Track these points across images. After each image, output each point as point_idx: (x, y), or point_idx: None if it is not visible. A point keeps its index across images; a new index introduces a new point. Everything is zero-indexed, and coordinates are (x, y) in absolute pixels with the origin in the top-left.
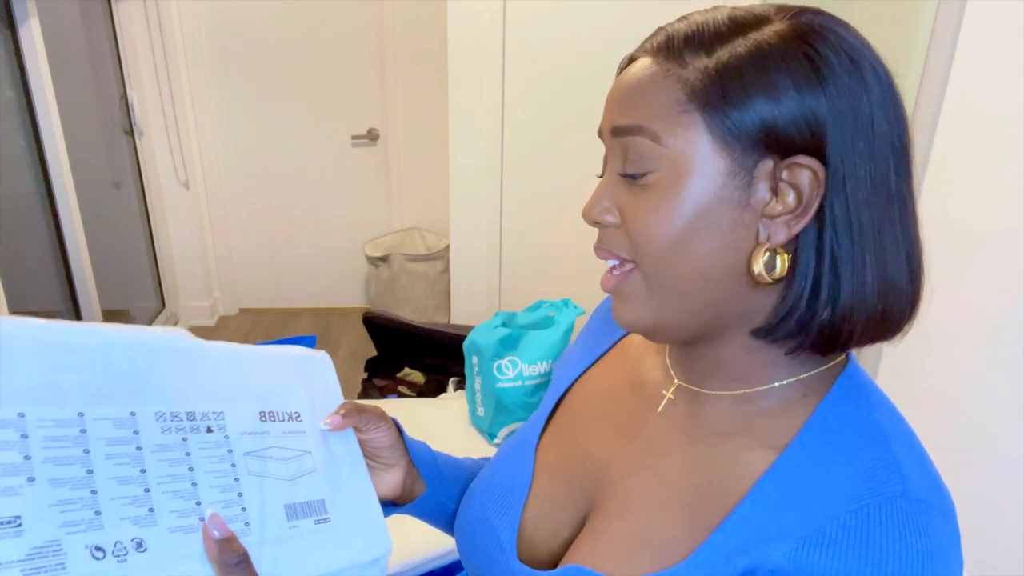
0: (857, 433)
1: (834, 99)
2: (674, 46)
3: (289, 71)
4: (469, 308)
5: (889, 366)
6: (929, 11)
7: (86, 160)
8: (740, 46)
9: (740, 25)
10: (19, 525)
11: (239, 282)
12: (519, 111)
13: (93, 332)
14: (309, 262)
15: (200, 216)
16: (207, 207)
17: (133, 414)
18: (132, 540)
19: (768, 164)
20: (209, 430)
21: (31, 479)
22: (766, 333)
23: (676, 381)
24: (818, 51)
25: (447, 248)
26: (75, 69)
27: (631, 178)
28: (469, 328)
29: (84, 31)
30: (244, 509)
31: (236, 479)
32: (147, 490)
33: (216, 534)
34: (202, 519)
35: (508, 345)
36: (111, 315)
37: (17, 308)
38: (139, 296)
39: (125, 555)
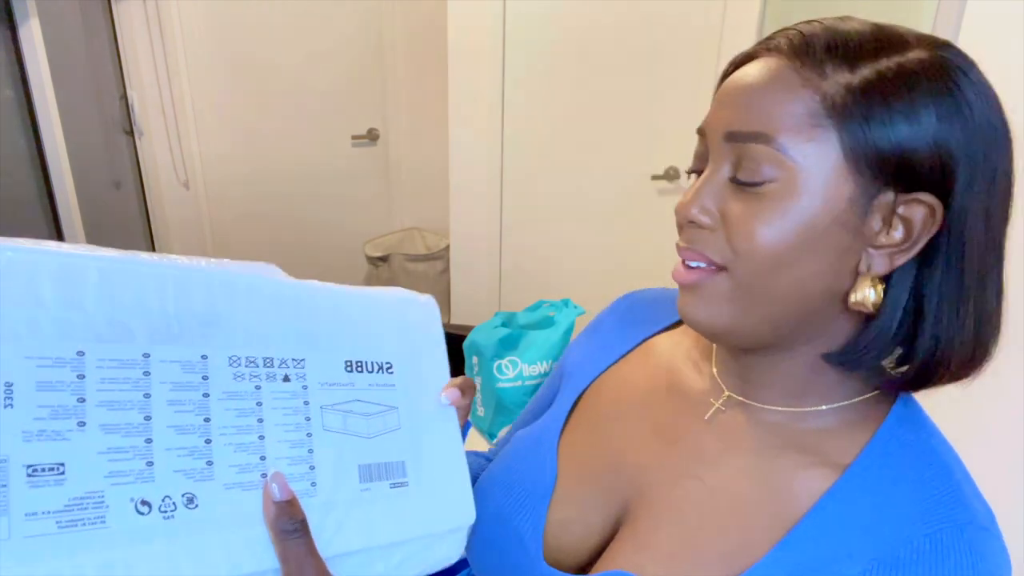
0: (918, 459)
1: (970, 138)
2: (814, 52)
3: (289, 71)
4: (469, 308)
5: None
6: (929, 11)
7: (86, 160)
8: (885, 66)
9: (884, 44)
10: (62, 473)
11: None
12: (519, 111)
13: (167, 266)
14: (309, 262)
15: (200, 216)
16: (207, 207)
17: (204, 357)
18: (183, 495)
19: (889, 195)
20: (287, 379)
21: (81, 423)
22: (840, 358)
23: (726, 392)
24: (961, 87)
25: (447, 248)
26: (75, 69)
27: (744, 185)
28: (469, 328)
29: (84, 31)
30: (312, 468)
31: (309, 434)
32: (208, 441)
33: (277, 495)
34: (264, 476)
35: (508, 345)
36: None
37: None
38: None
39: (173, 511)
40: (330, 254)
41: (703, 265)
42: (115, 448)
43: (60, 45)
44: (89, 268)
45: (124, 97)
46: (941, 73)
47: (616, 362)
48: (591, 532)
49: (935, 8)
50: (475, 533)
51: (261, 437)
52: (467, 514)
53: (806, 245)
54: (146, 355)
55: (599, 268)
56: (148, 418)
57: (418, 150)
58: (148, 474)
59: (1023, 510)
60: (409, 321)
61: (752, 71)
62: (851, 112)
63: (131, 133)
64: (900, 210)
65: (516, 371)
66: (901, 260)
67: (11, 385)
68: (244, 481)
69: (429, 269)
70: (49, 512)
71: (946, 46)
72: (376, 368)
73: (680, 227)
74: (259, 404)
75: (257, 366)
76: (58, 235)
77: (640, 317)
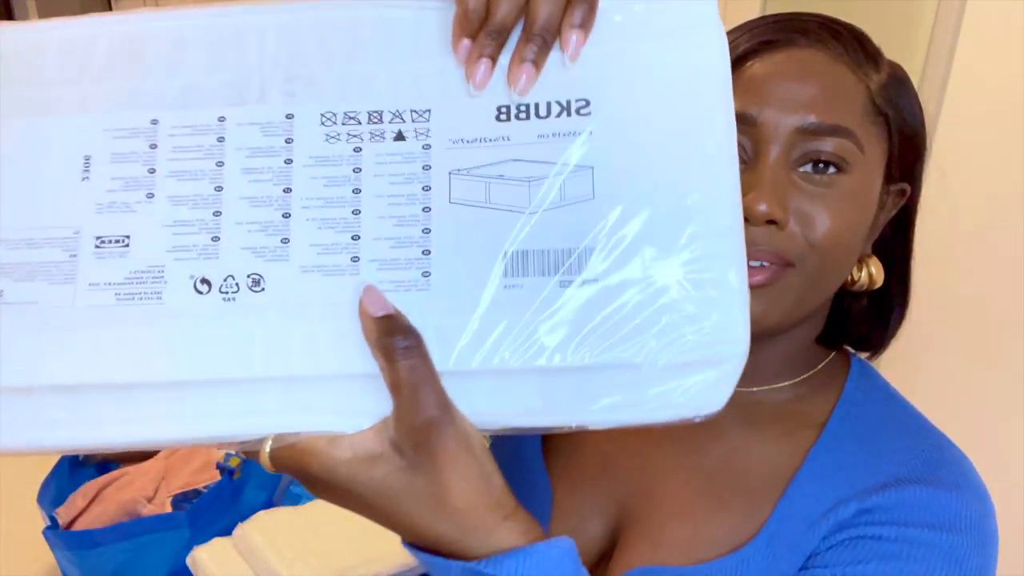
0: (885, 403)
1: (926, 127)
2: (853, 48)
3: None
4: None
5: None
6: (929, 11)
7: None
8: (891, 65)
9: (873, 45)
10: (126, 245)
11: None
12: None
13: (248, 12)
14: None
15: None
16: None
17: (290, 116)
18: (248, 276)
19: (884, 186)
20: (400, 136)
21: (150, 195)
22: (831, 336)
23: None
24: (916, 94)
25: None
26: None
27: (818, 176)
28: None
29: None
30: (427, 253)
31: (426, 208)
32: (287, 215)
33: (372, 310)
34: (354, 260)
35: None
36: None
37: None
38: None
39: (235, 292)
40: None
41: (766, 264)
42: (181, 221)
43: None
44: (159, 29)
45: None
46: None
47: None
48: (593, 540)
49: (935, 8)
50: None
51: (356, 212)
52: (741, 338)
53: (861, 233)
54: (221, 118)
55: None
56: (219, 188)
57: None
58: (212, 250)
59: (1023, 510)
60: (655, 26)
61: (807, 61)
62: (889, 106)
63: None
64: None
65: None
66: (873, 238)
67: (89, 158)
68: (327, 264)
69: None
70: (110, 283)
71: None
72: (556, 109)
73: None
74: (356, 170)
75: (358, 123)
76: None
77: None
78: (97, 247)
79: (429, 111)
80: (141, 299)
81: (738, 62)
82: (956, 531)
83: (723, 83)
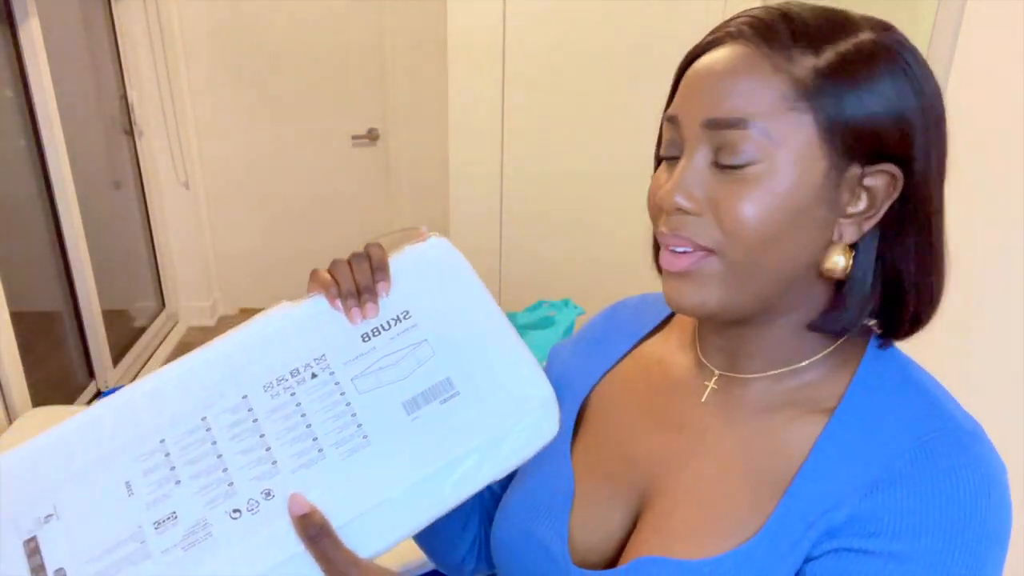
0: (898, 386)
1: (924, 111)
2: (779, 38)
3: (289, 71)
4: None
5: None
6: (929, 11)
7: (86, 160)
8: (845, 48)
9: (839, 27)
10: (176, 518)
11: (239, 282)
12: (519, 111)
13: (187, 368)
14: (309, 262)
15: (200, 216)
16: (207, 207)
17: (245, 397)
18: (261, 493)
19: (856, 168)
20: (314, 375)
21: (178, 482)
22: (823, 325)
23: (716, 372)
24: (909, 64)
25: None
26: (75, 69)
27: (730, 168)
28: None
29: (84, 31)
30: (360, 425)
31: (348, 404)
32: (268, 448)
33: (295, 511)
34: (321, 451)
35: None
36: (111, 315)
37: (17, 308)
38: (139, 296)
39: (257, 507)
40: (330, 254)
41: (690, 250)
42: (205, 485)
43: (60, 45)
44: (138, 398)
45: (124, 97)
46: (892, 52)
47: (611, 368)
48: (615, 530)
49: (935, 8)
50: (504, 552)
51: (309, 425)
52: (543, 386)
53: (789, 221)
54: (203, 418)
55: (600, 268)
56: (220, 456)
57: (418, 150)
58: (231, 491)
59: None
60: (421, 264)
61: (721, 58)
62: (822, 92)
63: (131, 133)
64: (866, 181)
65: None
66: (867, 226)
67: (129, 483)
68: (305, 461)
69: None
70: (175, 545)
71: (891, 28)
72: (391, 324)
73: (658, 215)
74: (298, 404)
75: (286, 380)
76: (58, 235)
77: (626, 328)
78: (155, 527)
79: (324, 355)
80: (200, 542)
81: (684, 68)
82: (942, 536)
83: (476, 283)
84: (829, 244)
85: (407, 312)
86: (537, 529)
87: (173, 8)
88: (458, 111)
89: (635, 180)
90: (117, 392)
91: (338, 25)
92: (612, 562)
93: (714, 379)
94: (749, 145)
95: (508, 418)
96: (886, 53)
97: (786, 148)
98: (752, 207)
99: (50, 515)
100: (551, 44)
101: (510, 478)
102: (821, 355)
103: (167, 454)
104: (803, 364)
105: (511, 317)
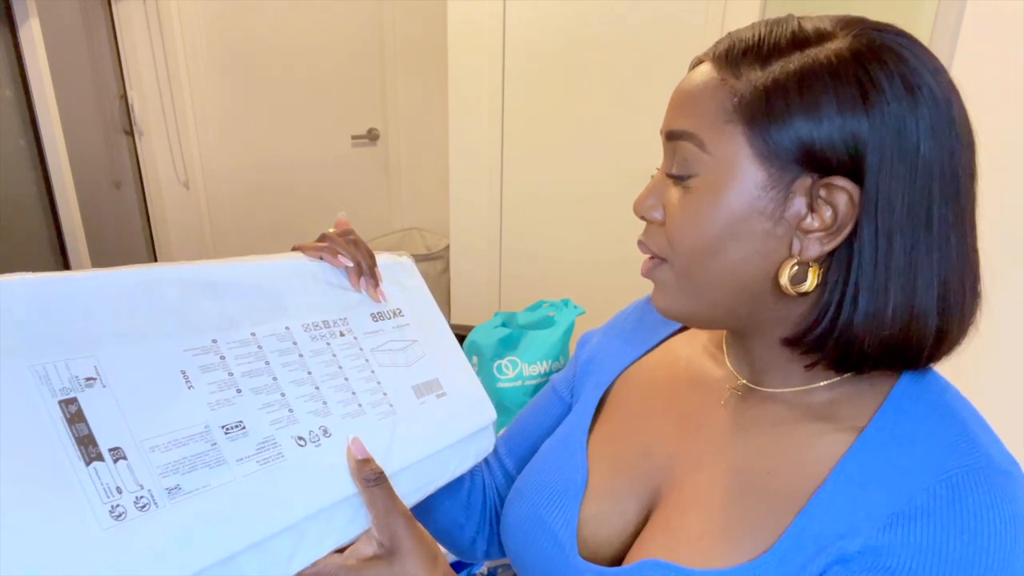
0: (932, 413)
1: (878, 124)
2: (733, 55)
3: (289, 71)
4: (469, 308)
5: None
6: (929, 11)
7: (86, 160)
8: (793, 63)
9: (800, 40)
10: (244, 428)
11: None
12: (519, 111)
13: (233, 270)
14: None
15: (200, 216)
16: (207, 207)
17: (288, 328)
18: (319, 428)
19: (806, 181)
20: (342, 334)
21: (239, 391)
22: (792, 343)
23: (740, 379)
24: (870, 74)
25: (447, 248)
26: (75, 69)
27: (677, 179)
28: (469, 328)
29: (84, 31)
30: (385, 394)
31: (373, 371)
32: (317, 388)
33: (357, 454)
34: (360, 407)
35: (508, 345)
36: None
37: None
38: None
39: (319, 440)
40: None
41: (647, 257)
42: (266, 404)
43: (60, 45)
44: (196, 278)
45: (124, 97)
46: (851, 62)
47: (638, 359)
48: (626, 524)
49: (935, 8)
50: (513, 534)
51: (346, 379)
52: (488, 411)
53: (727, 233)
54: (252, 333)
55: (600, 268)
56: (275, 379)
57: (418, 150)
58: (292, 418)
59: None
60: (399, 275)
61: (691, 76)
62: (754, 108)
63: (131, 133)
64: (822, 194)
65: (516, 371)
66: (831, 244)
67: (185, 371)
68: (351, 411)
69: (429, 269)
70: (249, 456)
71: (866, 30)
72: (392, 314)
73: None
74: (334, 355)
75: (321, 328)
76: (58, 234)
77: (657, 322)
78: (226, 433)
79: (347, 318)
80: (273, 460)
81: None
82: None
83: (435, 304)
84: (786, 259)
85: (400, 310)
86: (547, 515)
87: (173, 8)
88: (458, 111)
89: (635, 180)
90: (178, 266)
91: (338, 25)
92: (619, 557)
93: (738, 386)
94: (690, 156)
95: (475, 425)
96: (843, 66)
97: (721, 161)
98: (690, 219)
99: (91, 378)
100: (551, 44)
101: (525, 462)
102: (837, 379)
103: (222, 357)
104: (821, 384)
105: (511, 317)
